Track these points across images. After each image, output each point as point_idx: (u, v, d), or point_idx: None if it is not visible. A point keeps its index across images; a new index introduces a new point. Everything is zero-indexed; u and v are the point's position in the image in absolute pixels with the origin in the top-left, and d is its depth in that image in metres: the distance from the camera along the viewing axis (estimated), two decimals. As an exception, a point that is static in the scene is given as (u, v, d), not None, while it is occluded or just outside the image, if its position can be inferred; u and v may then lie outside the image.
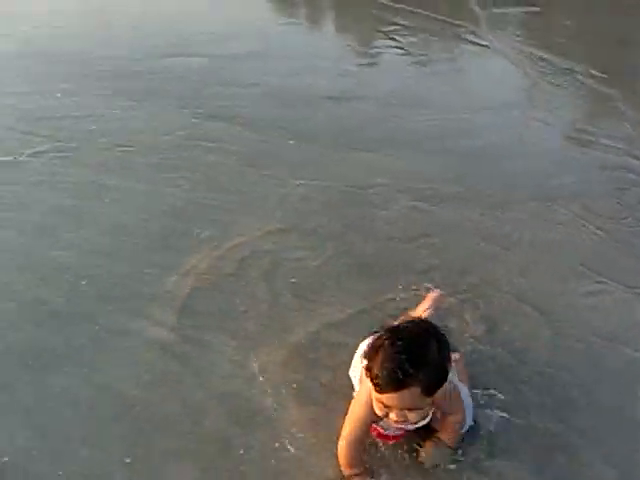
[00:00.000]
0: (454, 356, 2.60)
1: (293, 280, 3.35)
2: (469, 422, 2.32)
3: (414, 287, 3.25)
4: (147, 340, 2.96)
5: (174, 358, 2.86)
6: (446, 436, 2.19)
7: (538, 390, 2.64)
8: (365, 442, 2.15)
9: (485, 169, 4.52)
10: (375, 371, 1.85)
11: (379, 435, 2.21)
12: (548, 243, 3.71)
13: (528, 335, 2.98)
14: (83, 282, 3.33)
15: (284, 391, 2.64)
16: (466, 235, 3.77)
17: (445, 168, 4.54)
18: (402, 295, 3.22)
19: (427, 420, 2.07)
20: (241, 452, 2.38)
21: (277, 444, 2.39)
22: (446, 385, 1.96)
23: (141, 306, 3.15)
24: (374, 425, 2.12)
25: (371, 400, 1.95)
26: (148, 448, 2.42)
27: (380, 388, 1.85)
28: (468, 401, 2.35)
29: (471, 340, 2.87)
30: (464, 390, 2.33)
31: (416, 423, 2.01)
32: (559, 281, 3.39)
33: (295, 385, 2.66)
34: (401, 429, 2.12)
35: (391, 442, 2.24)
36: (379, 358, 1.85)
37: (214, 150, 4.71)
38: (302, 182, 4.29)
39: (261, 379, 2.69)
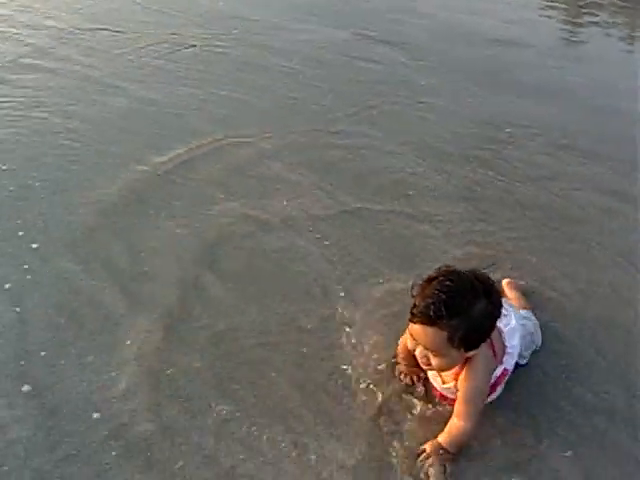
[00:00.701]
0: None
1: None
2: (537, 342, 2.38)
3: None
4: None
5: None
6: (447, 439, 1.99)
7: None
8: (411, 354, 2.07)
9: (629, 131, 4.32)
10: (416, 300, 1.87)
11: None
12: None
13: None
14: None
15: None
16: (588, 187, 3.69)
17: (588, 123, 4.45)
18: (507, 226, 3.27)
19: (452, 386, 2.03)
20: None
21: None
22: (482, 355, 1.94)
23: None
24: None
25: None
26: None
27: (411, 316, 1.87)
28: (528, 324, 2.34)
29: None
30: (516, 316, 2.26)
31: (440, 371, 2.02)
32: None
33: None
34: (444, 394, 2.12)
35: (437, 398, 2.19)
36: (426, 289, 1.86)
37: (360, 66, 4.97)
38: (434, 108, 4.44)
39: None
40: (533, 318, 2.45)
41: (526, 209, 3.43)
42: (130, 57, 4.72)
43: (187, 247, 2.90)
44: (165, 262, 2.80)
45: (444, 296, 1.80)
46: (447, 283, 1.82)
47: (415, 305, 1.86)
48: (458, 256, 2.96)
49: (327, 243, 3.00)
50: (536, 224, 3.30)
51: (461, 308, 1.81)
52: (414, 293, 1.89)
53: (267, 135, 3.85)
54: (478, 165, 3.79)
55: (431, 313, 1.79)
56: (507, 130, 4.24)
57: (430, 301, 1.81)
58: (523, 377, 2.31)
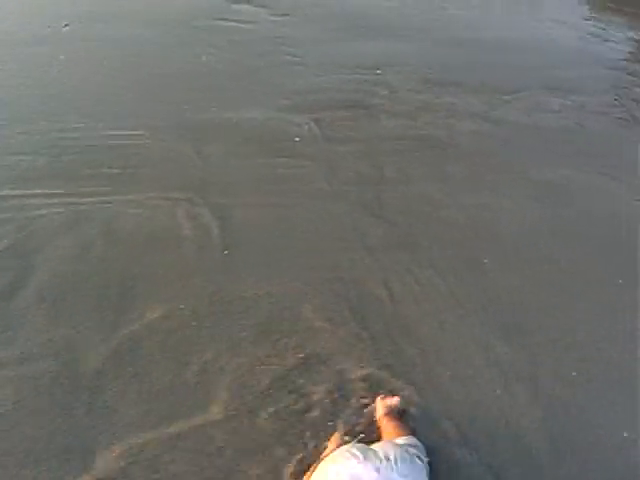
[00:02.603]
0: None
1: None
2: None
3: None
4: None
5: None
6: None
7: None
8: None
9: (492, 60, 4.69)
10: None
11: None
12: (541, 128, 3.90)
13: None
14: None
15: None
16: (456, 114, 3.99)
17: (450, 57, 4.77)
18: (386, 160, 3.50)
19: None
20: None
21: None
22: None
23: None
24: None
25: None
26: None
27: None
28: None
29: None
30: None
31: None
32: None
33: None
34: None
35: None
36: None
37: (231, 27, 5.03)
38: (307, 60, 4.60)
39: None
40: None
41: (403, 139, 3.70)
42: None
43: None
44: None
45: None
46: None
47: None
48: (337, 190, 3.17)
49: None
50: (412, 152, 3.58)
51: None
52: None
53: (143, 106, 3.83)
54: (353, 108, 3.98)
55: None
56: (377, 72, 4.46)
57: None
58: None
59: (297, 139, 3.62)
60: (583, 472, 2.00)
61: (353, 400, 2.15)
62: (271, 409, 2.08)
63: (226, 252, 2.69)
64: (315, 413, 2.09)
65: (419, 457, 1.65)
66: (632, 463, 2.03)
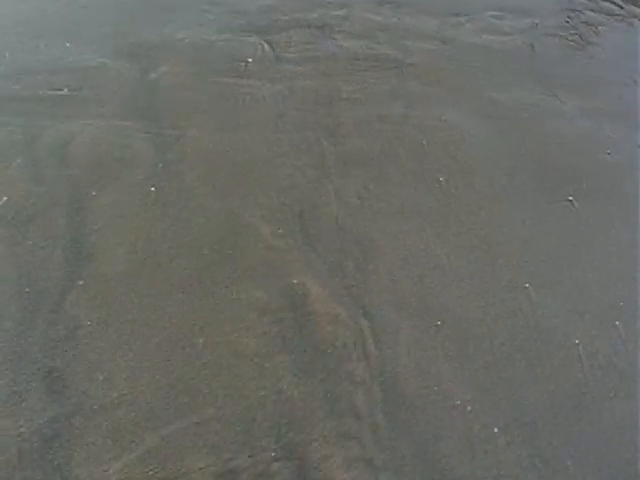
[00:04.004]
0: None
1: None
2: None
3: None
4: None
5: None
6: None
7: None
8: None
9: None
10: None
11: None
12: (493, 49, 3.92)
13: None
14: None
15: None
16: (411, 35, 3.97)
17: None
18: (345, 79, 3.46)
19: None
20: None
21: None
22: None
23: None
24: None
25: None
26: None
27: None
28: None
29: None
30: None
31: None
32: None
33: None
34: None
35: None
36: None
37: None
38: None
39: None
40: None
41: (359, 59, 3.67)
42: None
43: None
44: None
45: None
46: None
47: None
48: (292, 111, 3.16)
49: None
50: (369, 72, 3.57)
51: None
52: None
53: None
54: (308, 28, 3.92)
55: None
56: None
57: None
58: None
59: (250, 60, 3.56)
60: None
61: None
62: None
63: (180, 176, 2.69)
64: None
65: None
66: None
